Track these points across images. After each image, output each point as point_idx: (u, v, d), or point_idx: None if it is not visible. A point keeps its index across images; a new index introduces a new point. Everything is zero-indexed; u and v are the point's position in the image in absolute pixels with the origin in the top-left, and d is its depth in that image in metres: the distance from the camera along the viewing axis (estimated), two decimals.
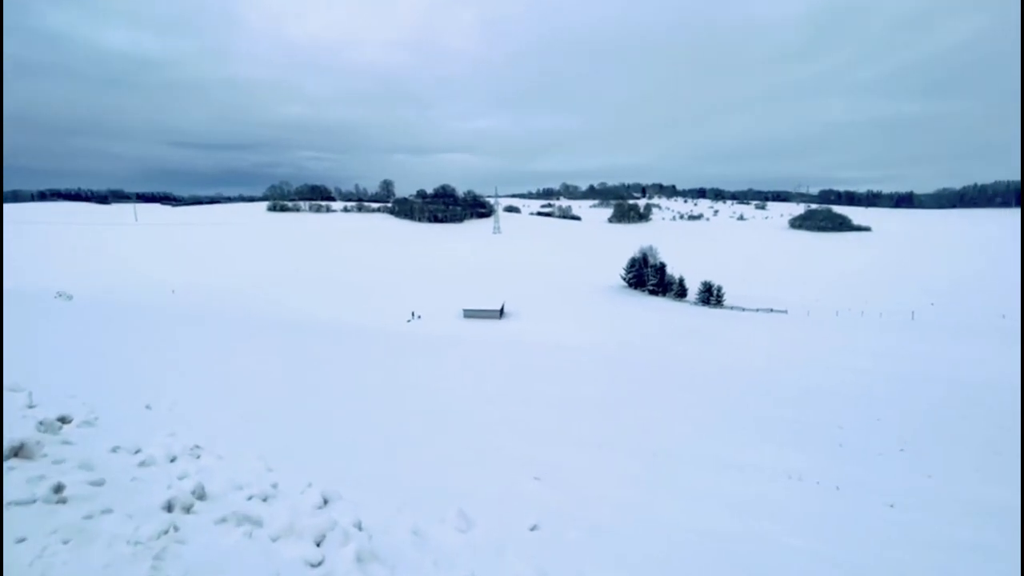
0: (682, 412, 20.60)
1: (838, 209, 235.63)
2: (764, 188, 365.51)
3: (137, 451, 8.03)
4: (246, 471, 7.71)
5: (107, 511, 4.70)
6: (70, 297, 55.05)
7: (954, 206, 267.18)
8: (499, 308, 73.20)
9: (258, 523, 5.37)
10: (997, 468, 14.61)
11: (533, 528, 6.80)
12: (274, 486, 6.96)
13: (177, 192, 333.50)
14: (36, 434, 7.74)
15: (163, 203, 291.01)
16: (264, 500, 6.47)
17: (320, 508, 6.51)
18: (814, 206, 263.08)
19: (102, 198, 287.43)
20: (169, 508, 5.31)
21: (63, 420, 9.21)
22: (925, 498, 11.37)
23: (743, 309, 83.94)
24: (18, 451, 5.97)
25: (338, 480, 7.92)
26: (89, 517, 4.51)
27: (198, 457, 8.30)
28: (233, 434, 10.20)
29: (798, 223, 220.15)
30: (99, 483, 5.52)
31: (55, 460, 6.21)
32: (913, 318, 72.69)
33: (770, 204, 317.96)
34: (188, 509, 5.44)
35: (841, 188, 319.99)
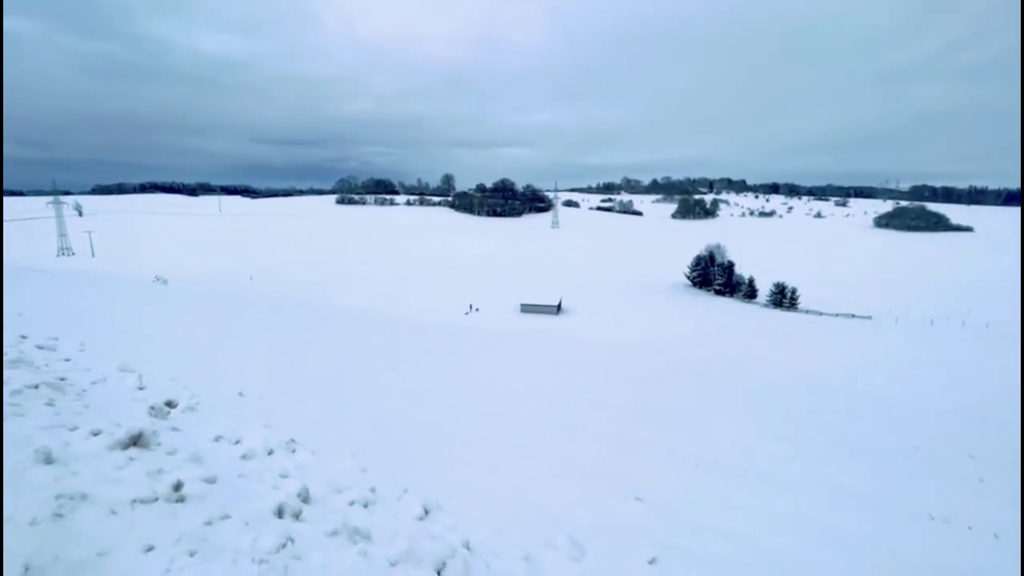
0: (772, 427, 19.05)
1: (933, 207, 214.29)
2: (845, 183, 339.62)
3: (237, 442, 8.13)
4: (341, 471, 7.59)
5: (225, 517, 4.54)
6: (166, 281, 59.93)
7: None
8: (557, 304, 72.40)
9: (368, 537, 5.08)
10: None
11: (652, 562, 6.16)
12: (372, 490, 6.74)
13: (255, 185, 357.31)
14: (148, 420, 8.02)
15: (243, 195, 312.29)
16: (365, 507, 6.24)
17: (421, 519, 6.20)
18: (904, 203, 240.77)
19: (191, 190, 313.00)
20: (280, 513, 5.13)
21: (170, 404, 9.58)
22: None
23: (820, 313, 78.05)
24: (136, 440, 6.05)
25: (429, 486, 7.65)
26: (209, 523, 4.35)
27: (293, 451, 8.32)
28: (321, 426, 10.25)
29: (884, 221, 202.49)
30: (212, 480, 5.44)
31: (168, 451, 6.28)
32: None
33: (852, 201, 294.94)
34: (298, 516, 5.25)
35: (937, 183, 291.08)
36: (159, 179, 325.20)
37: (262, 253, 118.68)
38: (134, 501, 4.43)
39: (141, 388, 10.77)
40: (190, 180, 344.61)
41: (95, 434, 5.94)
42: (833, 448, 16.94)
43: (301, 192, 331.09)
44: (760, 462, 13.64)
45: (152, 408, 8.51)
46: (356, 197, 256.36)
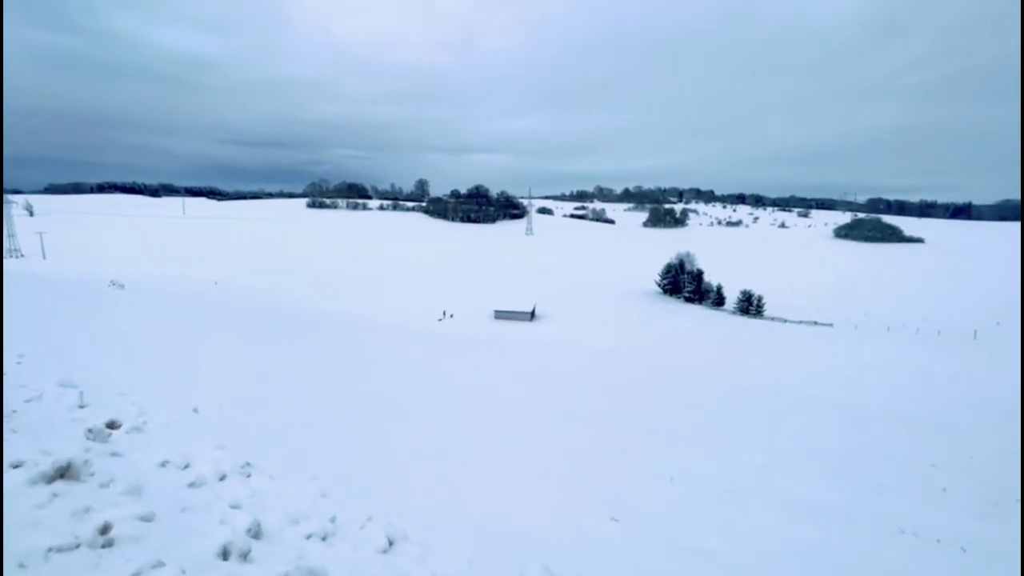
0: (746, 438, 19.15)
1: (888, 219, 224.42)
2: (807, 195, 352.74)
3: (186, 466, 7.48)
4: (300, 497, 7.04)
5: (158, 565, 4.00)
6: (122, 286, 57.06)
7: (1017, 218, 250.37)
8: (530, 310, 72.37)
9: None
10: None
11: None
12: (332, 520, 6.24)
13: (222, 187, 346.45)
14: (84, 444, 7.29)
15: (209, 197, 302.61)
16: (324, 539, 5.75)
17: (385, 552, 5.74)
18: (861, 215, 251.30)
19: (153, 191, 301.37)
20: (225, 555, 4.61)
21: (112, 425, 8.79)
22: None
23: (785, 321, 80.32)
24: (64, 472, 5.41)
25: (396, 511, 7.19)
26: (137, 575, 3.81)
27: (248, 476, 7.71)
28: (281, 446, 9.62)
29: (844, 232, 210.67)
30: (148, 518, 4.87)
31: (102, 482, 5.65)
32: (976, 338, 67.89)
33: (814, 212, 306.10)
34: (246, 556, 4.73)
35: (891, 197, 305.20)
36: (119, 179, 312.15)
37: (227, 257, 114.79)
38: (50, 550, 3.86)
39: (82, 406, 9.90)
40: (152, 181, 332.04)
41: (15, 466, 5.29)
42: (802, 458, 17.13)
43: (270, 195, 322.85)
44: (733, 474, 13.60)
45: (90, 430, 7.76)
46: (327, 201, 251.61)
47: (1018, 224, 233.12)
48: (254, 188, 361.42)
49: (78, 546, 4.01)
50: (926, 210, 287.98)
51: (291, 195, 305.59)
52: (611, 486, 10.98)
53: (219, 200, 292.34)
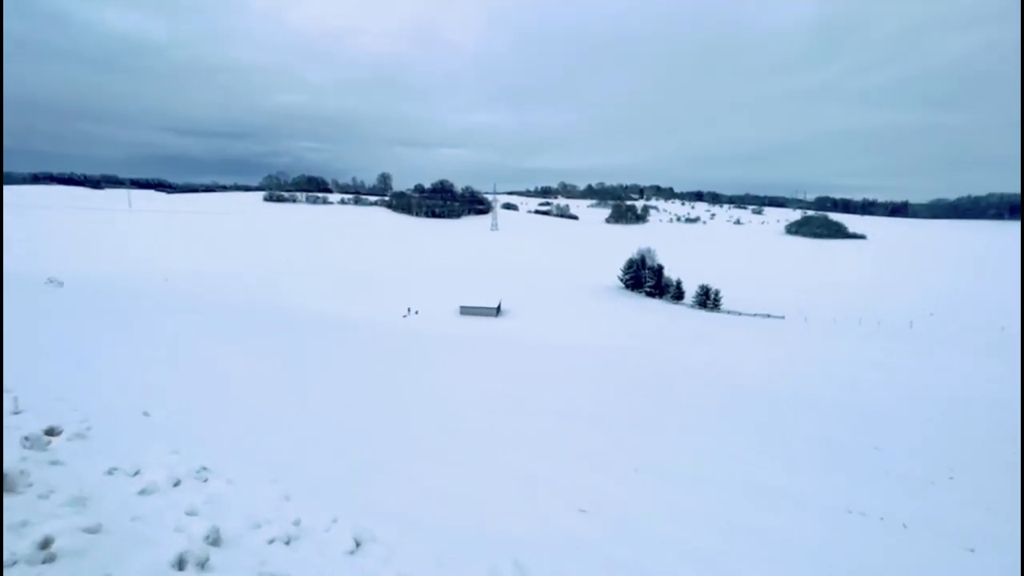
0: (705, 427, 19.82)
1: (834, 216, 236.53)
2: (761, 193, 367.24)
3: (136, 473, 7.07)
4: (261, 500, 6.77)
5: None
6: (61, 283, 53.45)
7: (948, 217, 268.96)
8: (496, 306, 72.47)
9: None
10: None
11: None
12: (296, 523, 6.03)
13: (171, 179, 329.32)
14: (20, 453, 6.76)
15: (157, 190, 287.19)
16: (287, 543, 5.54)
17: (352, 553, 5.60)
18: (810, 212, 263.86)
19: (95, 183, 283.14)
20: (181, 565, 4.37)
21: (51, 432, 8.20)
22: (1002, 539, 10.57)
23: (740, 314, 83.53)
24: None
25: (362, 512, 7.02)
26: None
27: (205, 481, 7.35)
28: (240, 449, 9.23)
29: (794, 229, 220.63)
30: (95, 529, 4.56)
31: (41, 493, 5.25)
32: (911, 328, 72.52)
33: (767, 209, 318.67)
34: (203, 565, 4.51)
35: (837, 195, 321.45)
36: (55, 169, 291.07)
37: (179, 253, 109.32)
38: None
39: (17, 412, 9.18)
40: (93, 171, 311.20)
41: None
42: (757, 445, 17.86)
43: (225, 188, 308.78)
44: (695, 464, 14.05)
45: (26, 438, 7.20)
46: (286, 195, 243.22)
47: (948, 222, 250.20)
48: (207, 180, 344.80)
49: (15, 563, 3.71)
50: (868, 208, 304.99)
51: (247, 188, 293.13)
52: (578, 479, 11.12)
53: (169, 192, 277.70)
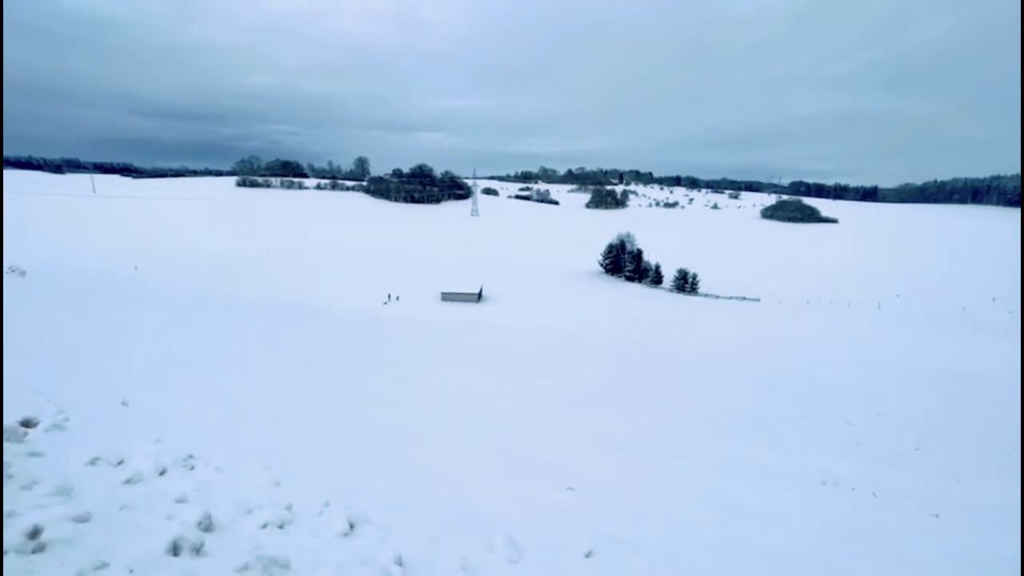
0: (687, 407, 20.34)
1: (808, 201, 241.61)
2: (737, 178, 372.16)
3: (120, 462, 6.94)
4: (251, 487, 6.73)
5: (102, 566, 3.71)
6: (23, 273, 51.36)
7: (915, 201, 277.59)
8: (477, 292, 72.27)
9: (287, 566, 4.46)
10: (1015, 468, 14.40)
11: (588, 555, 6.10)
12: (288, 507, 6.02)
13: (138, 164, 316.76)
14: None
15: (123, 175, 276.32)
16: (281, 527, 5.54)
17: (347, 535, 5.63)
18: (785, 197, 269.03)
19: (56, 167, 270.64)
20: (175, 550, 4.34)
21: (27, 424, 7.97)
22: (963, 505, 11.21)
23: (717, 297, 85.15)
24: None
25: (354, 495, 7.03)
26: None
27: (192, 468, 7.26)
28: (226, 437, 9.13)
29: (769, 213, 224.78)
30: (84, 518, 4.49)
31: (24, 484, 5.13)
32: (880, 308, 75.11)
33: (743, 194, 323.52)
34: (198, 550, 4.49)
35: (811, 180, 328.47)
36: (10, 153, 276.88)
37: (147, 239, 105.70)
38: None
39: None
40: (53, 155, 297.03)
41: None
42: (738, 422, 18.44)
43: (195, 172, 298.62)
44: (678, 441, 14.46)
45: (3, 430, 6.99)
46: (260, 179, 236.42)
47: (916, 206, 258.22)
48: (175, 165, 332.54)
49: (5, 553, 3.64)
50: (840, 193, 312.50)
51: (219, 173, 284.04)
52: (565, 458, 11.34)
53: (135, 177, 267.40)
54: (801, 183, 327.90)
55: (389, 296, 68.46)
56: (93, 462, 6.69)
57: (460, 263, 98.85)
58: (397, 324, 44.38)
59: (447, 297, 70.58)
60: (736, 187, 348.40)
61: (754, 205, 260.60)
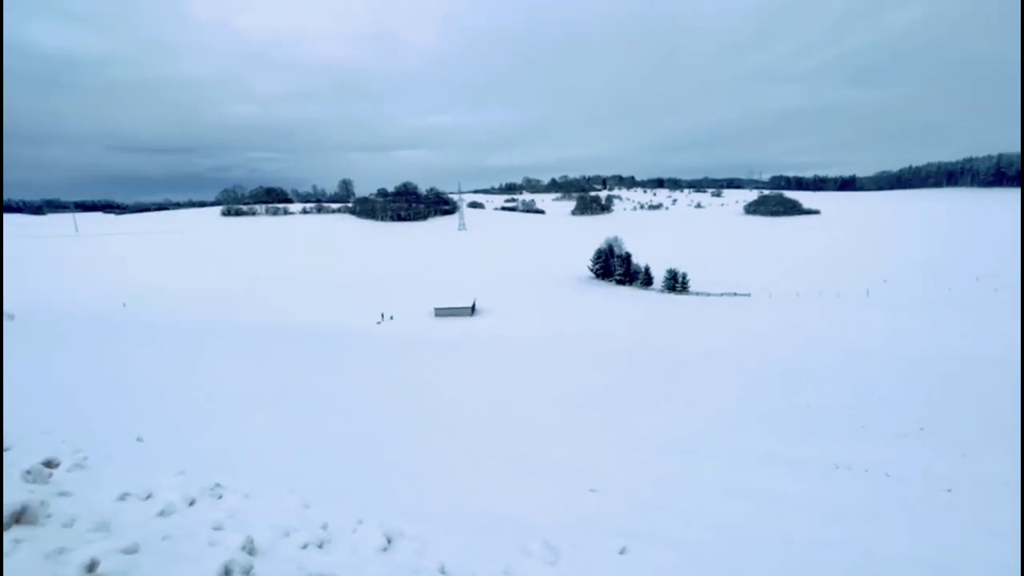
0: (691, 403, 20.55)
1: (788, 194, 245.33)
2: (719, 176, 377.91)
3: (149, 496, 6.96)
4: (282, 510, 6.79)
5: None
6: (12, 317, 50.55)
7: (892, 187, 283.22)
8: (470, 305, 72.32)
9: None
10: (1017, 444, 14.65)
11: (622, 552, 6.23)
12: (324, 527, 6.10)
13: (120, 199, 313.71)
14: (26, 487, 6.57)
15: (105, 211, 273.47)
16: (320, 547, 5.61)
17: (385, 550, 5.71)
18: (766, 192, 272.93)
19: (36, 208, 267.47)
20: (227, 574, 4.42)
21: (49, 464, 7.95)
22: (974, 479, 11.48)
23: (708, 295, 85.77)
24: (19, 517, 4.90)
25: (383, 511, 7.11)
26: None
27: (220, 497, 7.30)
28: (246, 463, 9.14)
29: (752, 209, 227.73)
30: (132, 549, 4.56)
31: (64, 522, 5.17)
32: (868, 295, 76.24)
33: (725, 191, 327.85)
34: (248, 573, 4.56)
35: (790, 174, 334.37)
36: None
37: (134, 276, 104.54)
38: None
39: (4, 449, 8.84)
40: (32, 196, 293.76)
41: None
42: (742, 415, 18.68)
43: (179, 205, 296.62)
44: (687, 437, 14.64)
45: (28, 472, 6.96)
46: (244, 208, 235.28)
47: (893, 193, 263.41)
48: (158, 199, 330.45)
49: None
50: (819, 184, 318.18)
51: (203, 204, 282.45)
52: (582, 461, 11.45)
53: (118, 214, 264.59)
54: (781, 177, 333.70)
55: (383, 315, 68.18)
56: (123, 497, 6.71)
57: (451, 278, 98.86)
58: (393, 342, 44.26)
59: (440, 313, 70.51)
60: (718, 185, 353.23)
61: (737, 202, 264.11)
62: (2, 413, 8.20)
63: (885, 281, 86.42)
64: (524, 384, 24.38)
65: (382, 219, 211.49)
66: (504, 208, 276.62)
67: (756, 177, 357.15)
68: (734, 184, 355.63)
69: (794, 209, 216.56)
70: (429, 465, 10.40)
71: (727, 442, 14.53)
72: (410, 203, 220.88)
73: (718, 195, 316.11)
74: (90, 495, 6.66)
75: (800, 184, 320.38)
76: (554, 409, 18.55)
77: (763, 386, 25.20)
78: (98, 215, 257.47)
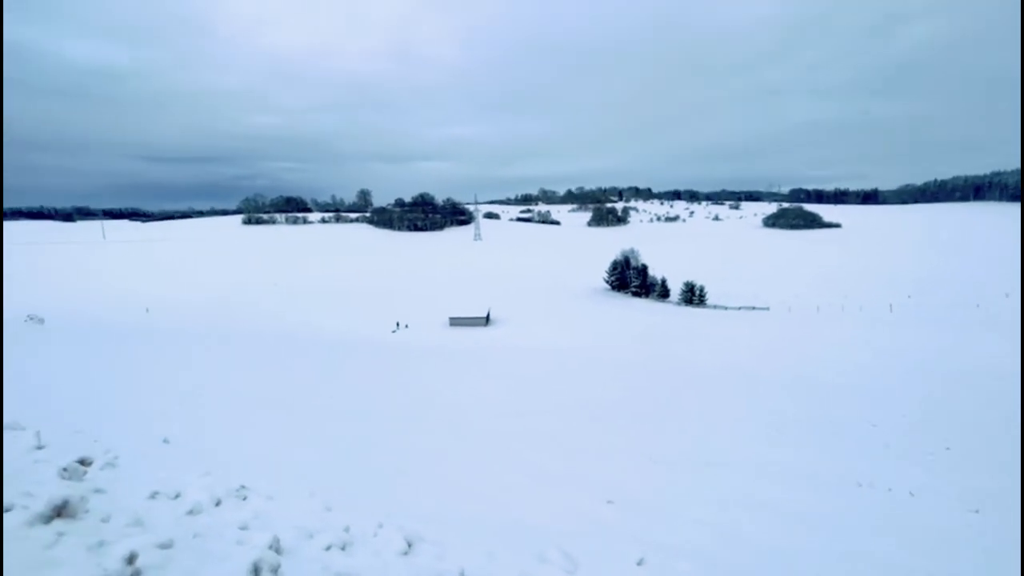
0: (708, 417, 20.34)
1: (808, 207, 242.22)
2: (737, 188, 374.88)
3: (177, 495, 7.19)
4: (304, 512, 6.96)
5: None
6: (42, 320, 52.23)
7: (916, 201, 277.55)
8: (485, 315, 72.51)
9: None
10: None
11: (640, 563, 6.24)
12: (346, 530, 6.23)
13: (146, 207, 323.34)
14: (63, 484, 6.85)
15: (132, 219, 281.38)
16: (343, 549, 5.75)
17: (406, 554, 5.83)
18: (785, 205, 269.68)
19: (67, 216, 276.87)
20: (256, 572, 4.58)
21: (84, 463, 8.25)
22: (1001, 501, 11.16)
23: (726, 308, 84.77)
24: (61, 510, 5.14)
25: (404, 516, 7.23)
26: None
27: (244, 499, 7.50)
28: (269, 467, 9.37)
29: (771, 222, 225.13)
30: (167, 545, 4.75)
31: (102, 517, 5.39)
32: (892, 311, 74.57)
33: (743, 204, 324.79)
34: (276, 571, 4.72)
35: (810, 187, 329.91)
36: (23, 204, 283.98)
37: (159, 282, 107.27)
38: None
39: (40, 447, 9.15)
40: (64, 204, 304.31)
41: (6, 511, 4.97)
42: (762, 430, 18.42)
43: (202, 213, 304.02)
44: (705, 450, 14.50)
45: (65, 469, 7.26)
46: (265, 216, 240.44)
47: (917, 206, 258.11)
48: (183, 207, 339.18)
49: None
50: (840, 197, 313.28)
51: (225, 212, 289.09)
52: (599, 472, 11.44)
53: (144, 221, 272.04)
54: (801, 190, 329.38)
55: (398, 324, 68.77)
56: (153, 496, 6.94)
57: (466, 288, 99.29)
58: (409, 351, 44.61)
59: (455, 322, 70.85)
60: (736, 197, 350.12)
61: (755, 214, 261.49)
62: (2, 406, 8.57)
63: (909, 296, 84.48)
64: (539, 394, 24.39)
65: (399, 229, 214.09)
66: (520, 219, 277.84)
67: (775, 190, 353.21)
68: (753, 197, 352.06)
69: (814, 222, 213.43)
70: (446, 472, 10.51)
71: (745, 455, 14.36)
72: (427, 213, 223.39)
73: (736, 207, 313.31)
74: (122, 493, 6.91)
75: (821, 197, 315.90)
76: (570, 420, 18.53)
77: (783, 400, 24.81)
78: (125, 222, 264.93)
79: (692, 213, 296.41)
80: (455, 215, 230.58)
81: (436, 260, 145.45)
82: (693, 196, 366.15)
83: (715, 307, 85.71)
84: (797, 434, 17.81)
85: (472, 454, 12.49)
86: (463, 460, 11.76)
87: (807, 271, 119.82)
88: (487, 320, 72.52)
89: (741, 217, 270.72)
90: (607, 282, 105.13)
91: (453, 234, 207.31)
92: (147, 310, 75.13)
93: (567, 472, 11.25)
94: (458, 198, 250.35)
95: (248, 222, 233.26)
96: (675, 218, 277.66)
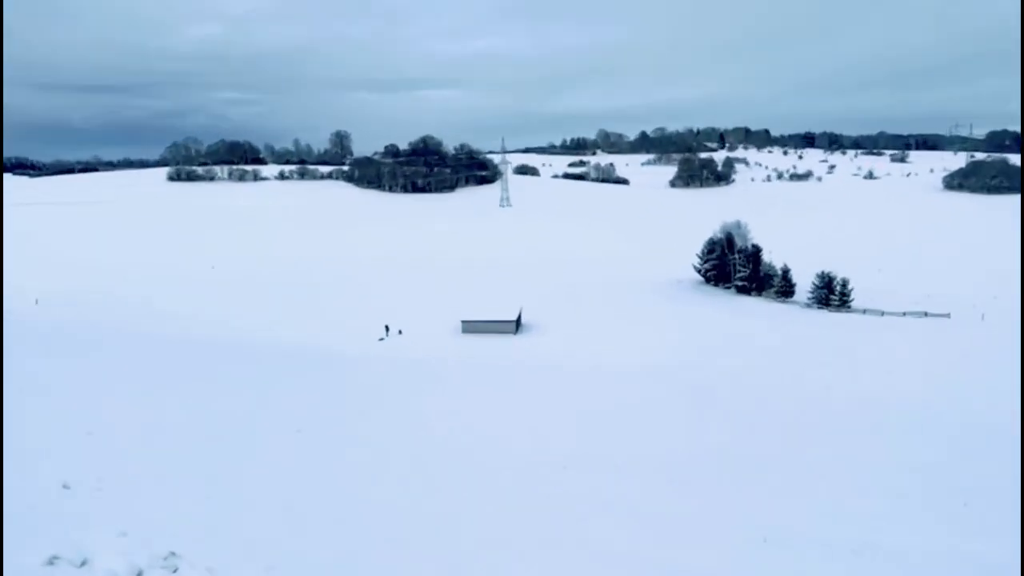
0: (854, 476, 19.98)
1: (1016, 160, 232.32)
2: (903, 131, 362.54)
3: (84, 563, 7.61)
4: None
5: None
6: None
7: None
8: (515, 319, 72.79)
9: None
10: None
11: None
12: None
13: (35, 157, 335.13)
14: None
15: (16, 172, 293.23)
16: None
17: None
18: (980, 156, 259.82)
19: None
20: None
21: None
22: None
23: (882, 313, 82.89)
24: None
25: None
26: None
27: (175, 570, 7.86)
28: (209, 528, 9.76)
29: (957, 182, 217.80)
30: None
31: None
32: None
33: (913, 154, 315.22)
34: None
35: (1019, 128, 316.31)
36: None
37: (51, 262, 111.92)
38: None
39: None
40: None
41: None
42: (934, 496, 17.94)
43: (112, 165, 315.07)
44: (848, 528, 14.21)
45: None
46: (200, 170, 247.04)
47: None
48: (86, 156, 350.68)
49: None
50: None
51: (144, 163, 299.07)
52: (685, 557, 11.35)
53: (33, 175, 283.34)
54: (1005, 132, 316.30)
55: (387, 330, 69.69)
56: (51, 562, 7.35)
57: (487, 278, 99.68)
58: (401, 370, 45.25)
59: (470, 327, 71.32)
60: (902, 145, 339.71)
61: (932, 170, 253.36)
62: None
63: None
64: (602, 439, 24.40)
65: (390, 189, 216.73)
66: (568, 176, 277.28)
67: (964, 133, 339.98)
68: (928, 143, 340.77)
69: None
70: (465, 553, 10.68)
71: (909, 539, 13.99)
72: (431, 167, 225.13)
73: (902, 160, 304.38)
74: (11, 553, 7.34)
75: None
76: (645, 478, 18.51)
77: (956, 454, 24.09)
78: (8, 176, 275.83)
79: (832, 168, 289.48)
80: (473, 169, 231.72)
81: (444, 235, 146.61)
82: (834, 141, 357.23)
83: (865, 311, 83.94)
84: (976, 511, 17.25)
85: (507, 526, 12.62)
86: (494, 535, 11.90)
87: (1011, 260, 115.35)
88: (518, 326, 72.89)
89: (909, 175, 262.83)
90: (699, 271, 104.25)
91: (469, 197, 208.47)
92: (36, 301, 78.43)
93: (644, 556, 11.17)
94: (477, 144, 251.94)
95: (176, 177, 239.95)
96: (805, 175, 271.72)
